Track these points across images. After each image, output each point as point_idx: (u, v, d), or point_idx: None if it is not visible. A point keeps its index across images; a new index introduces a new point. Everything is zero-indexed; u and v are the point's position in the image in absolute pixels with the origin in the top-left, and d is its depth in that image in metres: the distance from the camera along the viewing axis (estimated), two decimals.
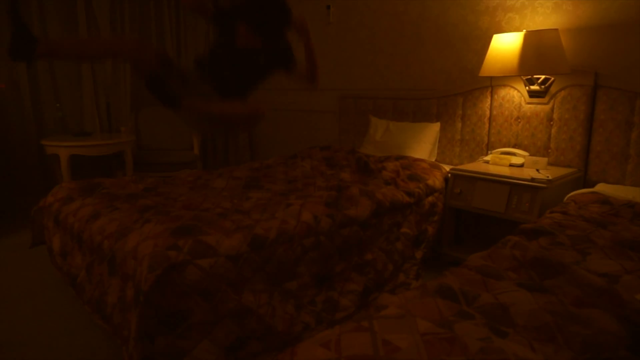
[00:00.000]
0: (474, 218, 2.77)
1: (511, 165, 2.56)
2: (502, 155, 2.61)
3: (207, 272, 1.59)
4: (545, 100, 2.63)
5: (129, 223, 1.83)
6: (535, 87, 2.64)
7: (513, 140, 2.79)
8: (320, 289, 1.97)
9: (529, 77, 2.64)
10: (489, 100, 2.87)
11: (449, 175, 2.65)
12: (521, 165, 2.54)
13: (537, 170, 2.40)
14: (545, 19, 2.63)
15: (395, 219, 2.35)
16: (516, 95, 2.75)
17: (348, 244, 2.07)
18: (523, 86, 2.70)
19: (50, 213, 2.29)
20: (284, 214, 1.95)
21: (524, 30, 2.43)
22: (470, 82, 2.97)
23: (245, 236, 1.73)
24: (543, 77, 2.59)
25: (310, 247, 1.91)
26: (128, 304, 1.62)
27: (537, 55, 2.37)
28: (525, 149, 2.71)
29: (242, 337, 1.66)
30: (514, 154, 2.62)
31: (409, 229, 2.44)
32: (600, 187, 2.29)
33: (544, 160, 2.50)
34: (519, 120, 2.75)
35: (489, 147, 2.90)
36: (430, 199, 2.56)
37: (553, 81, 2.59)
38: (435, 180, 2.62)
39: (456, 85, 3.09)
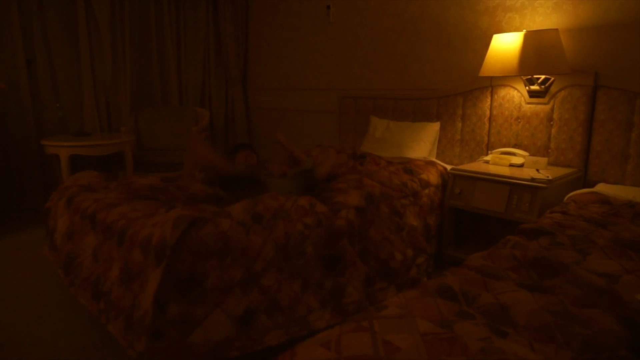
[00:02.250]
0: (474, 218, 2.77)
1: (511, 165, 2.56)
2: (502, 155, 2.61)
3: (223, 231, 1.67)
4: (545, 100, 2.62)
5: (152, 210, 1.91)
6: (535, 87, 2.64)
7: (513, 140, 2.79)
8: (330, 273, 1.99)
9: (529, 77, 2.63)
10: (489, 100, 2.87)
11: (448, 173, 2.65)
12: (521, 165, 2.54)
13: (537, 170, 2.40)
14: (545, 19, 2.63)
15: (393, 208, 2.35)
16: (516, 95, 2.75)
17: (352, 226, 2.10)
18: (523, 86, 2.70)
19: (64, 195, 2.29)
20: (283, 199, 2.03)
21: (524, 30, 2.43)
22: (470, 82, 2.97)
23: (249, 210, 1.83)
24: (543, 77, 2.59)
25: (312, 225, 1.94)
26: (135, 271, 1.65)
27: (537, 55, 2.37)
28: (525, 149, 2.71)
29: (251, 308, 1.68)
30: (514, 154, 2.62)
31: (414, 221, 2.44)
32: (600, 187, 2.29)
33: (544, 160, 2.50)
34: (519, 120, 2.75)
35: (489, 147, 2.90)
36: (426, 191, 2.57)
37: (553, 81, 2.59)
38: (430, 175, 2.64)
39: (456, 85, 3.09)
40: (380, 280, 2.20)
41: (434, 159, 3.01)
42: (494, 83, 2.84)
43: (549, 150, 2.64)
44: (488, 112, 2.89)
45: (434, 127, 3.12)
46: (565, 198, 2.25)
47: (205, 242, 1.61)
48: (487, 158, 2.70)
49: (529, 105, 2.70)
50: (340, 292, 2.00)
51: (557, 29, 2.43)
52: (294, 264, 1.85)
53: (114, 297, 1.72)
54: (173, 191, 2.32)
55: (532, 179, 2.25)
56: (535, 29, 2.52)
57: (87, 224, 2.05)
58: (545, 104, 2.63)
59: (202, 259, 1.60)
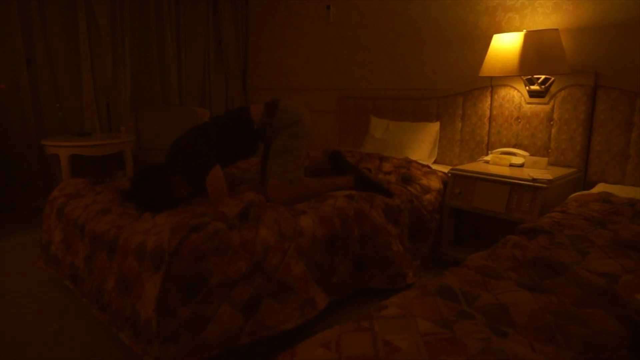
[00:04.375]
0: (474, 218, 2.76)
1: (511, 165, 2.56)
2: (502, 155, 2.61)
3: (219, 229, 1.70)
4: (545, 100, 2.62)
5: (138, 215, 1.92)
6: (535, 87, 2.63)
7: (513, 140, 2.79)
8: (328, 255, 2.02)
9: (529, 77, 2.63)
10: (489, 100, 2.87)
11: (448, 175, 2.64)
12: (521, 166, 2.54)
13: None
14: (545, 19, 2.63)
15: (391, 213, 2.35)
16: (516, 95, 2.75)
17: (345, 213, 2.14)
18: (523, 86, 2.70)
19: (54, 206, 2.29)
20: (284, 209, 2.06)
21: (524, 30, 2.43)
22: (470, 82, 2.97)
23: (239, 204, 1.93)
24: (543, 77, 2.59)
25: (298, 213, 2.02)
26: (131, 279, 1.64)
27: (537, 55, 2.37)
28: (525, 149, 2.71)
29: (255, 294, 1.69)
30: (514, 154, 2.62)
31: (409, 221, 2.44)
32: (600, 188, 2.29)
33: (544, 160, 2.49)
34: (519, 120, 2.75)
35: (489, 147, 2.90)
36: (428, 196, 2.56)
37: (553, 81, 2.59)
38: (430, 182, 2.62)
39: (456, 85, 3.09)
40: (372, 266, 2.20)
41: (433, 168, 2.91)
42: (494, 83, 2.84)
43: (549, 150, 2.64)
44: (488, 112, 2.89)
45: (434, 127, 3.12)
46: (567, 200, 2.24)
47: (204, 243, 1.63)
48: (487, 158, 2.69)
49: (529, 105, 2.70)
50: (333, 272, 2.03)
51: (557, 29, 2.43)
52: (296, 242, 1.86)
53: (115, 308, 1.73)
54: None
55: (533, 179, 2.25)
56: (535, 29, 2.52)
57: (78, 233, 2.06)
58: (545, 104, 2.63)
59: (203, 259, 1.60)
